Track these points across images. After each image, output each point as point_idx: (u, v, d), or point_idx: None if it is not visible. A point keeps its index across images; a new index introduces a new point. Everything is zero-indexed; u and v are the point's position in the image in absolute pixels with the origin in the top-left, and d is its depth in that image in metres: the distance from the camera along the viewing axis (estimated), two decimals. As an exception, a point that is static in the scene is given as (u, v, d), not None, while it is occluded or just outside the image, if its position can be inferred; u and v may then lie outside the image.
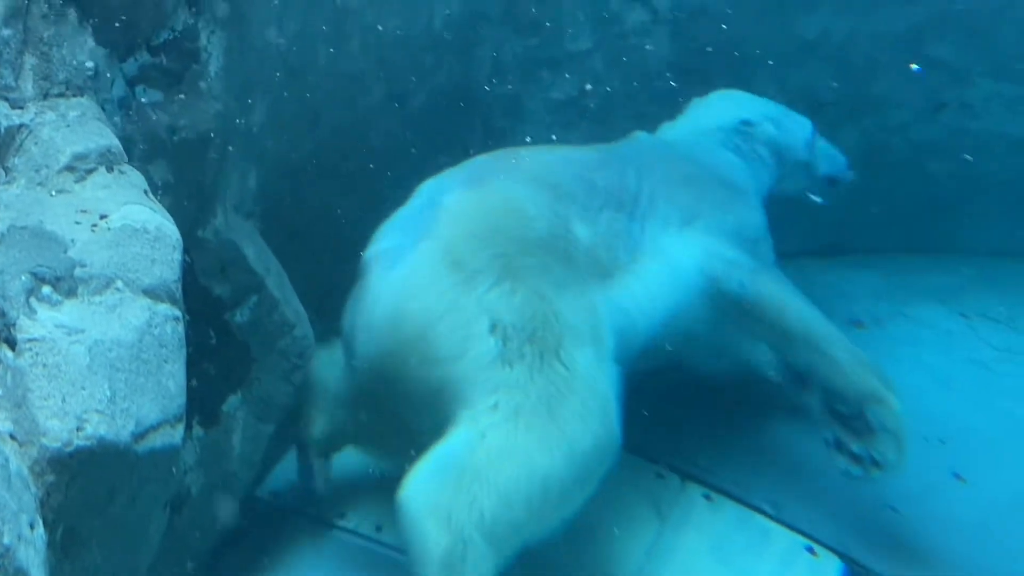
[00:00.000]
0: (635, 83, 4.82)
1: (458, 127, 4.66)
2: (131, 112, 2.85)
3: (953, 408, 4.15)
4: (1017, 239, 5.20)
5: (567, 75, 4.80)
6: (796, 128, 4.30)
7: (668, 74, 4.79)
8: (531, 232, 3.16)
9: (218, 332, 3.06)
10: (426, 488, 2.71)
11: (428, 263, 3.04)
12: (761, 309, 3.53)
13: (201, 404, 3.01)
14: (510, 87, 4.87)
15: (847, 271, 5.13)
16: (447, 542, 2.62)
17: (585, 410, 2.91)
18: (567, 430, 2.85)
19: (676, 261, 3.50)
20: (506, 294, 2.98)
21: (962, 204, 5.11)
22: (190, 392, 2.24)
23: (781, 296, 3.56)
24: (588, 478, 2.91)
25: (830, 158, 4.40)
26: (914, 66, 4.64)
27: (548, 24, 4.82)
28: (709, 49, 4.68)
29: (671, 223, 3.55)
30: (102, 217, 2.34)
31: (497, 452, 2.76)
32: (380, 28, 3.92)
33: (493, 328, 2.93)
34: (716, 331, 3.63)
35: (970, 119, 4.98)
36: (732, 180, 3.95)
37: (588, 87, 4.83)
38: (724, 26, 4.61)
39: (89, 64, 2.63)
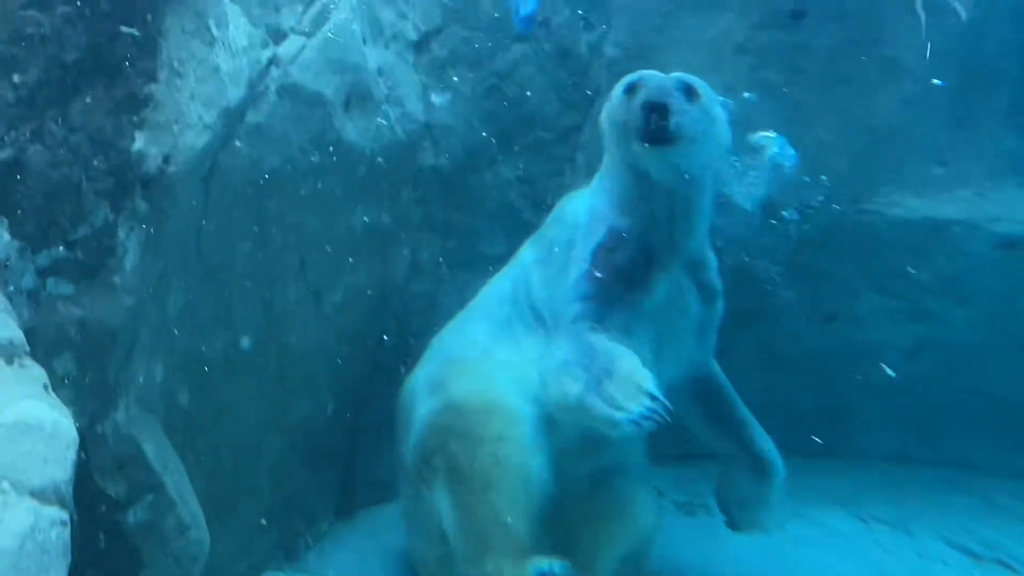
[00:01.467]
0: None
1: (374, 324, 4.69)
2: (40, 303, 2.80)
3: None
4: (905, 444, 5.41)
5: (481, 276, 4.92)
6: None
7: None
8: None
9: (108, 534, 2.88)
10: None
11: None
12: None
13: (83, 612, 2.78)
14: (426, 286, 4.96)
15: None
16: None
17: None
18: None
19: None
20: None
21: (855, 410, 5.30)
22: (72, 602, 2.08)
23: None
24: None
25: None
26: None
27: (465, 228, 5.00)
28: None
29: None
30: (-6, 412, 2.24)
31: None
32: (302, 229, 3.98)
33: None
34: None
35: (858, 329, 5.23)
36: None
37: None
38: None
39: (1, 256, 2.60)
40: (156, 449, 3.04)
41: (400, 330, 4.86)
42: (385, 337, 4.81)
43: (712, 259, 3.99)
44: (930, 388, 5.25)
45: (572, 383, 3.50)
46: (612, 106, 3.81)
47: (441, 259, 5.00)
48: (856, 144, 4.92)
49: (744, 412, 4.12)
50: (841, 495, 5.14)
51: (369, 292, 4.60)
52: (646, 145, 3.56)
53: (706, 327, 4.01)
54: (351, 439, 4.79)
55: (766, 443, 4.09)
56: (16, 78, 2.61)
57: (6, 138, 2.61)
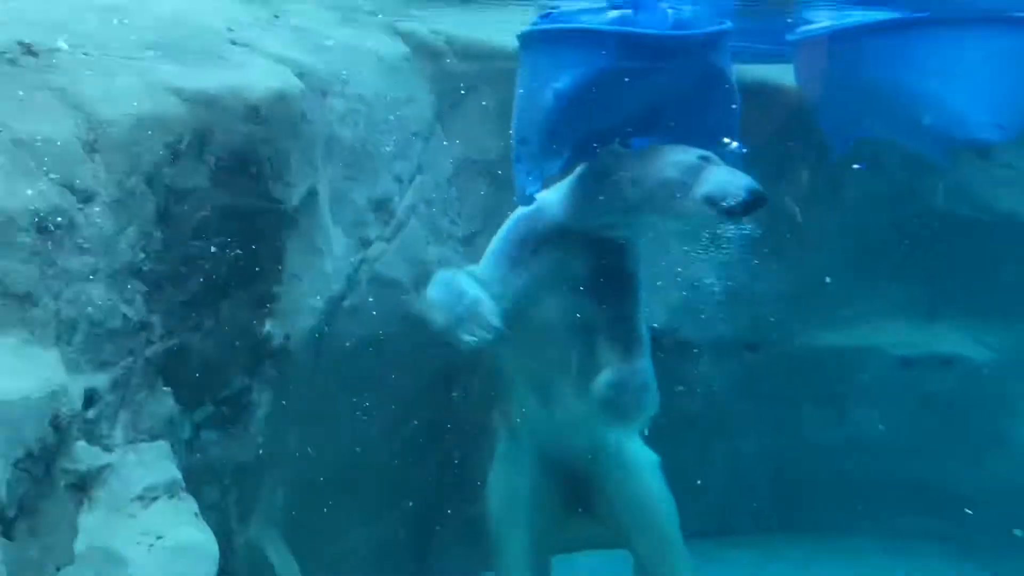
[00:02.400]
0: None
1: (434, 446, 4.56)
2: (193, 449, 2.76)
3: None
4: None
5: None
6: None
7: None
8: None
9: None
10: None
11: None
12: None
13: None
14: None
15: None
16: None
17: None
18: None
19: None
20: None
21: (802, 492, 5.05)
22: None
23: None
24: None
25: None
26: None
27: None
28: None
29: None
30: (158, 538, 2.18)
31: None
32: (383, 380, 3.89)
33: None
34: None
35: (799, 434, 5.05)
36: None
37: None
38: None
39: (167, 416, 2.58)
40: (279, 557, 2.92)
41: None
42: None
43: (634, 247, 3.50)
44: (855, 477, 5.00)
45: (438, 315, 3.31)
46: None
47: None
48: (788, 295, 4.89)
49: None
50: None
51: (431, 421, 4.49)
52: (727, 215, 3.03)
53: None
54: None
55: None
56: (183, 287, 2.66)
57: (175, 330, 2.63)
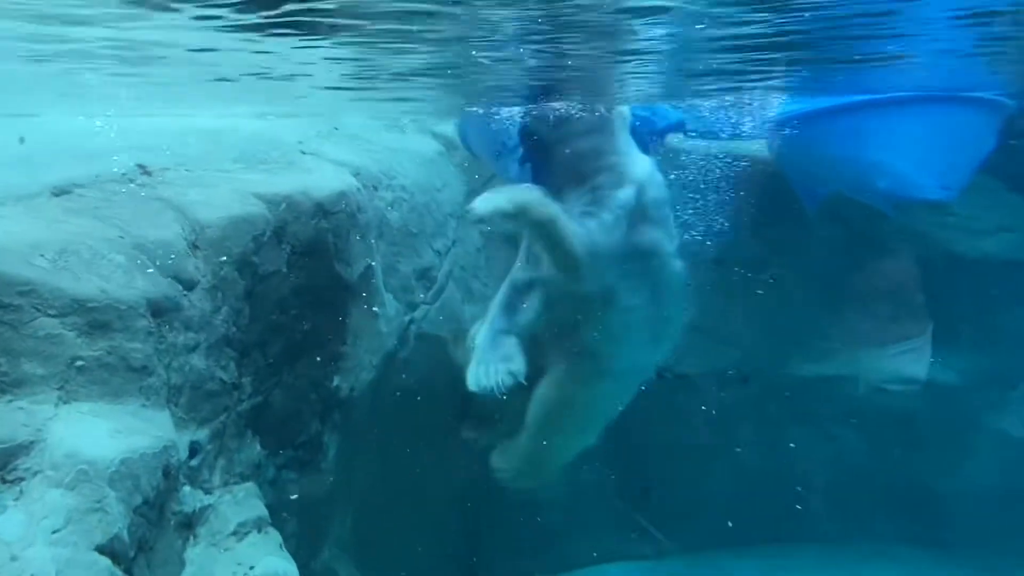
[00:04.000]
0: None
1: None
2: (276, 487, 2.80)
3: None
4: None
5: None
6: None
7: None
8: None
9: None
10: None
11: None
12: None
13: None
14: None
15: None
16: None
17: None
18: None
19: None
20: None
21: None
22: None
23: None
24: None
25: None
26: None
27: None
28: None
29: None
30: (251, 567, 2.21)
31: None
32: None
33: None
34: None
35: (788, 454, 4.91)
36: None
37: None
38: None
39: (255, 461, 2.63)
40: (348, 577, 2.92)
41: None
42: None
43: None
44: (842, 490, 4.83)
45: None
46: None
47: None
48: (769, 332, 4.84)
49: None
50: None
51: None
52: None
53: None
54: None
55: None
56: (266, 352, 2.74)
57: (260, 388, 2.70)
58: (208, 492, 2.41)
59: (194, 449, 2.34)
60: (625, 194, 3.25)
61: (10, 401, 1.85)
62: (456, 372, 3.68)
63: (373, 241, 3.29)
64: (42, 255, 1.96)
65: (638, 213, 3.30)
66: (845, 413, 4.80)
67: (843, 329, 4.86)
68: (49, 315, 1.95)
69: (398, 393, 3.61)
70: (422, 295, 3.96)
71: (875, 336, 4.89)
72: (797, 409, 4.81)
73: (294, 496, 2.81)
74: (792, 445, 4.78)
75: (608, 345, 3.45)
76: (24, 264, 1.91)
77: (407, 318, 3.75)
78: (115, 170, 2.45)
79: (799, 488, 4.67)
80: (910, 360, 4.77)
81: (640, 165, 3.33)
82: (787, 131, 4.28)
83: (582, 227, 3.20)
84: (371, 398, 3.37)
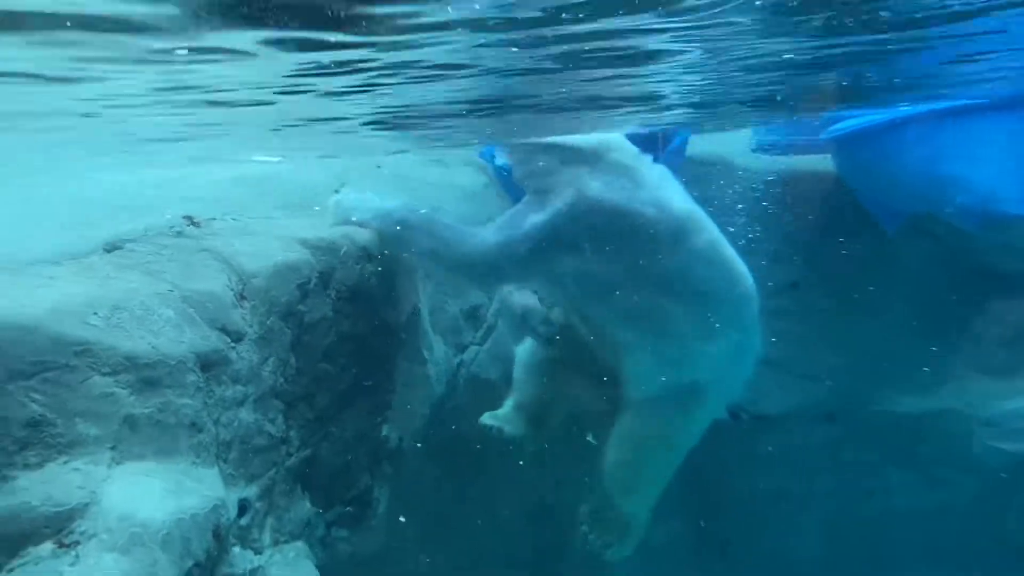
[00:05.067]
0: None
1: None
2: (326, 545, 2.85)
3: None
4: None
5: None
6: None
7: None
8: None
9: None
10: None
11: None
12: None
13: None
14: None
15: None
16: None
17: None
18: None
19: None
20: None
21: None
22: None
23: None
24: None
25: None
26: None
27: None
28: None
29: None
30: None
31: None
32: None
33: None
34: None
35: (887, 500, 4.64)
36: None
37: None
38: None
39: (305, 519, 2.69)
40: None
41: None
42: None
43: None
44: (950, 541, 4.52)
45: None
46: None
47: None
48: (857, 365, 4.64)
49: None
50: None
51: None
52: None
53: None
54: None
55: None
56: (314, 404, 2.83)
57: (307, 441, 2.78)
58: (258, 552, 2.47)
59: (243, 507, 2.42)
60: (547, 213, 3.01)
61: (66, 462, 1.97)
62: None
63: (419, 282, 3.36)
64: (96, 313, 2.10)
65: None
66: (949, 453, 4.52)
67: (944, 357, 4.62)
68: (103, 373, 2.08)
69: (448, 440, 3.63)
70: (471, 336, 4.00)
71: (984, 363, 4.63)
72: (895, 445, 4.56)
73: (345, 555, 2.85)
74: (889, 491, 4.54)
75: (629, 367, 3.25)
76: (80, 324, 2.05)
77: (456, 361, 3.79)
78: (164, 223, 2.62)
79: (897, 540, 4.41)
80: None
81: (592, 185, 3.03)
82: (857, 144, 4.17)
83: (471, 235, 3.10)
84: (422, 448, 3.40)
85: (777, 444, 4.38)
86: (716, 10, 1.79)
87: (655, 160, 3.17)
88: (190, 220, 2.69)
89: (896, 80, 2.99)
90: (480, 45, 1.97)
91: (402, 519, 3.13)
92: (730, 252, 3.18)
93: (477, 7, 1.67)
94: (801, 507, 4.42)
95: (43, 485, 1.90)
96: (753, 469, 4.27)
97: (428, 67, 2.16)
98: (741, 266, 3.20)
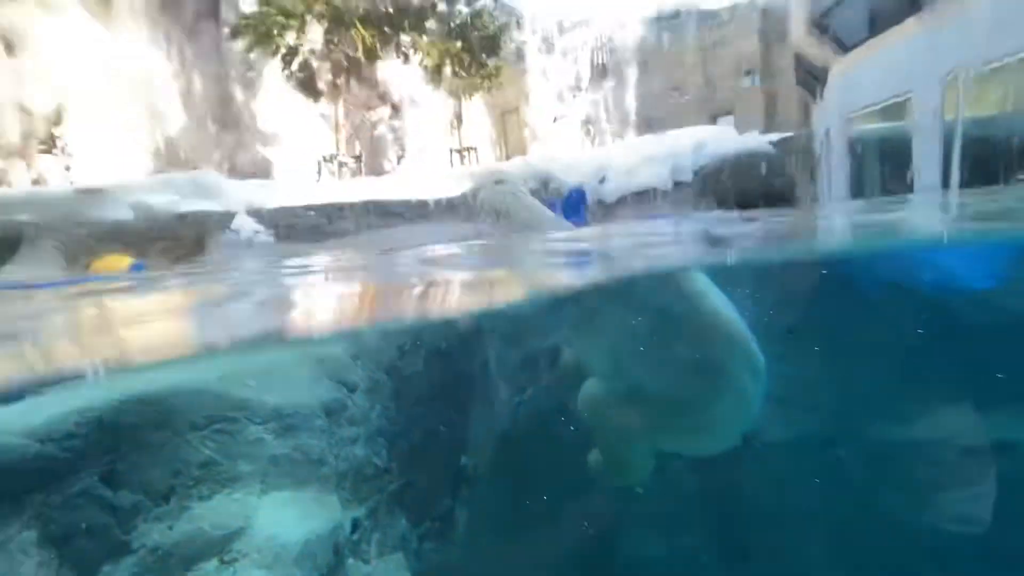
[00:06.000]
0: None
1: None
2: (419, 557, 2.80)
3: None
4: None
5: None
6: None
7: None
8: None
9: None
10: None
11: None
12: None
13: None
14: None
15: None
16: None
17: None
18: None
19: None
20: None
21: None
22: None
23: None
24: None
25: None
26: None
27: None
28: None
29: None
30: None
31: None
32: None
33: None
34: None
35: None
36: None
37: None
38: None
39: (401, 534, 2.67)
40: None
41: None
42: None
43: None
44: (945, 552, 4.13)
45: None
46: None
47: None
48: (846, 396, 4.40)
49: None
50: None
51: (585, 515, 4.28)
52: None
53: None
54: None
55: None
56: (408, 440, 2.85)
57: (404, 470, 2.77)
58: (367, 563, 2.47)
59: (356, 525, 2.43)
60: None
61: (228, 494, 2.04)
62: (566, 449, 3.60)
63: (487, 339, 3.39)
64: (252, 378, 2.21)
65: None
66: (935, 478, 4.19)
67: (923, 393, 4.34)
68: (255, 423, 2.16)
69: (513, 467, 3.58)
70: (529, 378, 3.97)
71: (959, 399, 4.32)
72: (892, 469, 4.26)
73: (434, 564, 2.81)
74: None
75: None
76: (241, 386, 2.15)
77: (516, 400, 3.76)
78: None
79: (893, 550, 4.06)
80: (1001, 421, 4.15)
81: None
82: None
83: None
84: (491, 474, 3.36)
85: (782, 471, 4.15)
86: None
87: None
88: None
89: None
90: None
91: (478, 534, 3.07)
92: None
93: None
94: (806, 520, 4.14)
95: (212, 513, 1.96)
96: (764, 488, 4.03)
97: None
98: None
